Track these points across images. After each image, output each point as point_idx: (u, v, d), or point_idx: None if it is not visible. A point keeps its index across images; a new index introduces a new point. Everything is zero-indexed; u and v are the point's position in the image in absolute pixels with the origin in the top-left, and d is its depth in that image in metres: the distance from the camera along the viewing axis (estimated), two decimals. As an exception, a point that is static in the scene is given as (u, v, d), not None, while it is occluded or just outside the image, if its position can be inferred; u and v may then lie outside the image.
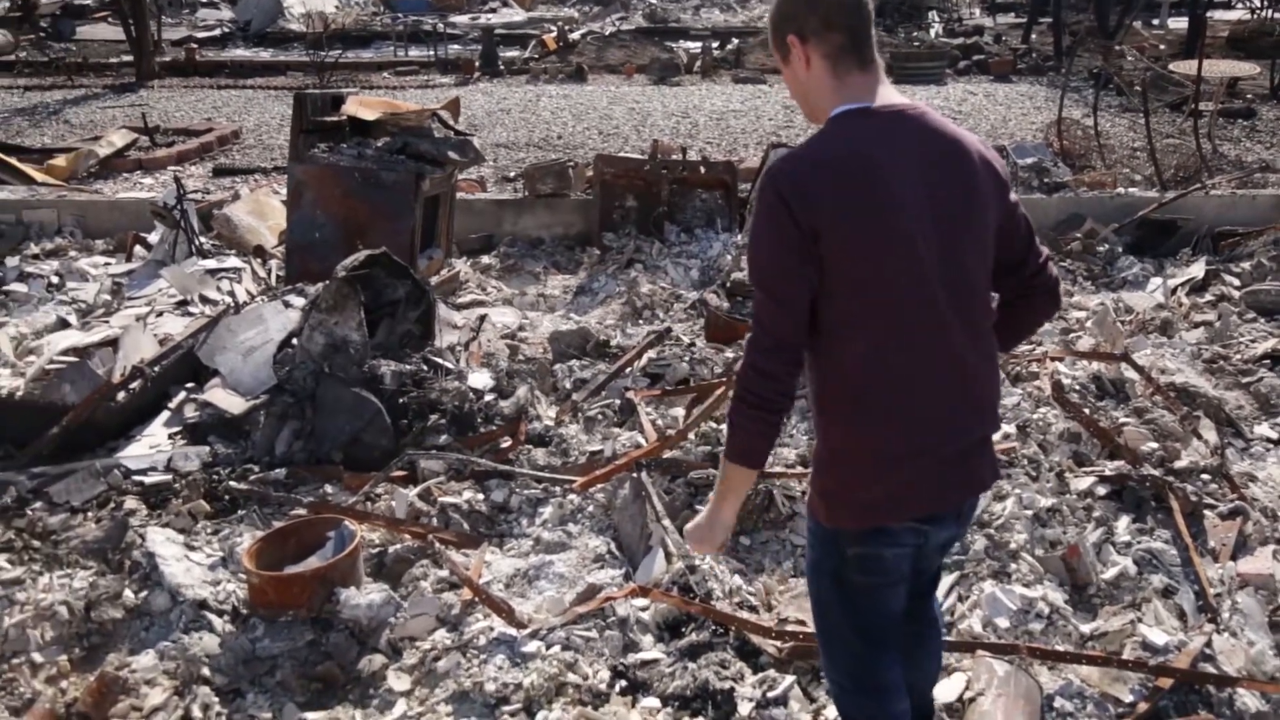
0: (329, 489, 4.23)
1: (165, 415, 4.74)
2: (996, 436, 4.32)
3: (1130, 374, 5.03)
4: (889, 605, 2.39)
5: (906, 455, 2.21)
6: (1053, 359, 5.25)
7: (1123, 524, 3.94)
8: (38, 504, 4.01)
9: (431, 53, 18.11)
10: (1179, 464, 4.24)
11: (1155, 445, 4.37)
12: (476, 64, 16.83)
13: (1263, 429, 4.83)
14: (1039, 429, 4.54)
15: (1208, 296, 6.41)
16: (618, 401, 4.94)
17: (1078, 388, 4.95)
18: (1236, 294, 6.31)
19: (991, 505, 3.96)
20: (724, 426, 4.39)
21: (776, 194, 2.07)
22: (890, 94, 2.20)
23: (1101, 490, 4.11)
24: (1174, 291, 6.52)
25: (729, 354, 5.29)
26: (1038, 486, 4.10)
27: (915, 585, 2.50)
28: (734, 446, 2.22)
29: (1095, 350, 5.40)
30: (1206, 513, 4.02)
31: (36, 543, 3.78)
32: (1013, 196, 2.30)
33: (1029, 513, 3.92)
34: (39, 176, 9.39)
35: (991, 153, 2.26)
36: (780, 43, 2.24)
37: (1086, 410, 4.62)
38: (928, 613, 2.65)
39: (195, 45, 18.55)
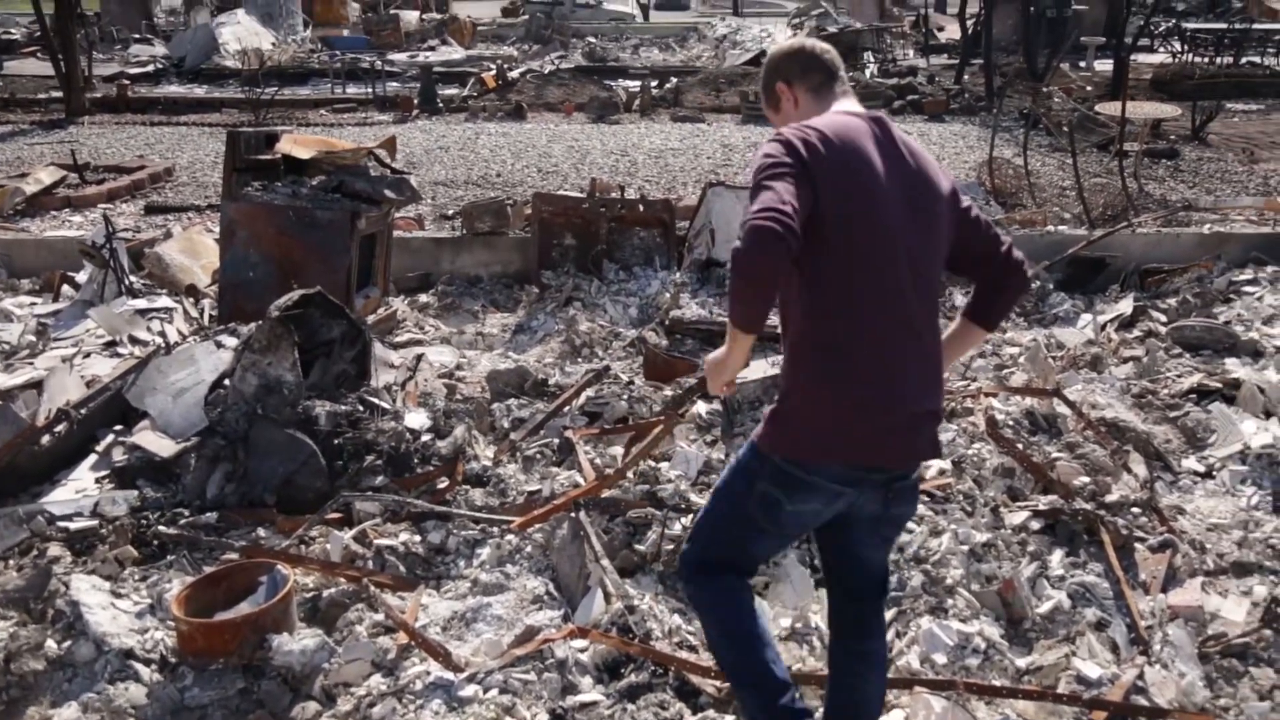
0: (262, 532, 4.15)
1: (92, 459, 4.63)
2: (932, 472, 4.43)
3: (1062, 409, 5.12)
4: (754, 550, 2.74)
5: (854, 405, 2.48)
6: (986, 394, 5.33)
7: (1056, 558, 3.99)
8: (-44, 552, 3.88)
9: (369, 90, 18.05)
10: (1110, 498, 4.31)
11: (1087, 479, 4.45)
12: (415, 101, 16.81)
13: (1190, 462, 4.93)
14: (974, 464, 4.59)
15: (1136, 332, 6.56)
16: (556, 440, 4.92)
17: (1011, 423, 5.03)
18: (1163, 330, 6.46)
19: (928, 541, 4.00)
20: (663, 464, 4.41)
21: (786, 142, 2.44)
22: (860, 107, 2.67)
23: (1035, 525, 4.17)
24: (1103, 328, 6.66)
25: (668, 392, 5.29)
26: (973, 522, 4.15)
27: (850, 578, 2.78)
28: (736, 316, 2.45)
29: (1028, 386, 5.49)
30: (1137, 546, 4.09)
31: (-46, 592, 3.65)
32: (965, 200, 2.67)
33: (965, 548, 3.95)
34: (-37, 214, 9.19)
35: (936, 162, 2.68)
36: (771, 93, 2.78)
37: (1020, 446, 4.69)
38: (869, 626, 2.81)
39: (127, 81, 18.30)
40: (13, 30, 27.12)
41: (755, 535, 2.67)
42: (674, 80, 18.95)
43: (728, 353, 2.58)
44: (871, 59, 22.00)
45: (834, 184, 2.41)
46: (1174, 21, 25.15)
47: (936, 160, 2.66)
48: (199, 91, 19.10)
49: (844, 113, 2.60)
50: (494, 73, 19.34)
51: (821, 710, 2.87)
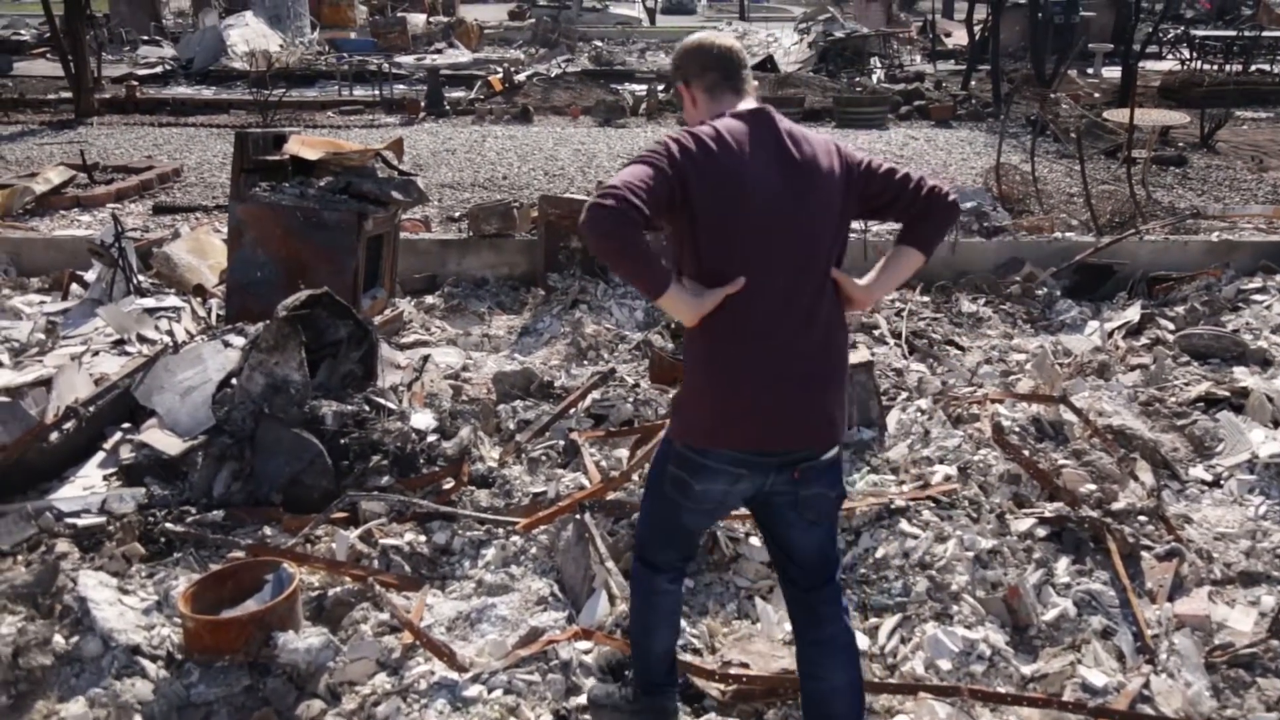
0: (268, 531, 4.15)
1: (100, 456, 4.64)
2: (938, 478, 4.43)
3: (1069, 416, 5.11)
4: (684, 520, 2.92)
5: (736, 390, 2.66)
6: (992, 401, 5.33)
7: (1062, 565, 3.99)
8: (-36, 548, 3.89)
9: (376, 92, 18.09)
10: (1117, 506, 4.30)
11: (1093, 487, 4.44)
12: (422, 104, 16.83)
13: (1197, 471, 4.93)
14: (979, 470, 4.59)
15: (1143, 340, 6.55)
16: (561, 443, 4.92)
17: (1017, 429, 5.02)
18: (1171, 337, 6.45)
19: (933, 547, 3.99)
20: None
21: (665, 142, 2.63)
22: (753, 104, 2.79)
23: (1041, 532, 4.16)
24: (1111, 335, 6.66)
25: (673, 394, 5.30)
26: (979, 528, 4.14)
27: (788, 569, 2.93)
28: (644, 285, 2.57)
29: (1034, 392, 5.48)
30: (1144, 554, 4.08)
31: (-38, 588, 3.66)
32: (861, 160, 2.79)
33: (970, 554, 3.95)
34: (-28, 212, 9.21)
35: (839, 144, 2.79)
36: (679, 90, 2.92)
37: (1026, 452, 4.69)
38: (823, 612, 2.90)
39: (136, 83, 18.35)
40: (22, 31, 27.22)
41: (679, 512, 2.89)
42: (681, 84, 18.95)
43: (673, 311, 2.70)
44: (878, 64, 22.02)
45: (705, 181, 2.58)
46: (1183, 28, 25.15)
47: (834, 146, 2.76)
48: (207, 93, 19.16)
49: (730, 114, 2.73)
50: (500, 76, 19.37)
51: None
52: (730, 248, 2.62)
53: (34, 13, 29.09)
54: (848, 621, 2.92)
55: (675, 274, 2.64)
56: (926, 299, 7.42)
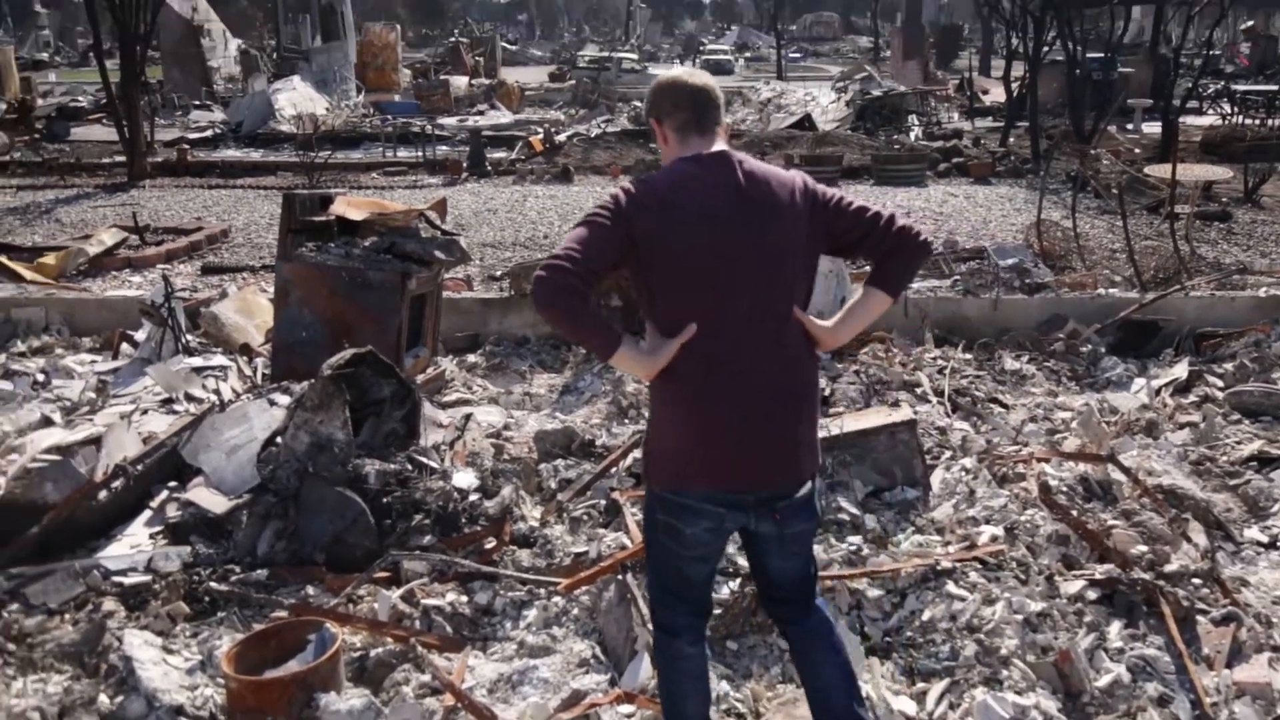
0: (311, 590, 4.16)
1: (147, 514, 4.68)
2: (984, 538, 4.36)
3: (1117, 475, 5.03)
4: (687, 571, 2.91)
5: (707, 433, 2.71)
6: (1039, 459, 5.26)
7: (1115, 629, 3.90)
8: (14, 605, 3.93)
9: (420, 153, 18.40)
10: (1169, 568, 4.21)
11: (1145, 548, 4.35)
12: (464, 165, 17.09)
13: (1253, 532, 4.82)
14: (1027, 531, 4.52)
15: (1192, 397, 6.45)
16: (603, 502, 4.91)
17: (1065, 489, 4.95)
18: (1220, 395, 6.35)
19: (981, 609, 3.93)
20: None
21: (614, 196, 2.69)
22: (718, 145, 2.79)
23: (1092, 594, 4.07)
24: (1158, 392, 6.56)
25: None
26: (1027, 590, 4.07)
27: (772, 591, 3.02)
28: (594, 349, 2.75)
29: (1081, 451, 5.41)
30: (1199, 618, 3.98)
31: (11, 645, 3.69)
32: (829, 196, 2.80)
33: (1019, 617, 3.88)
34: (28, 275, 9.42)
35: (806, 181, 2.81)
36: (651, 126, 2.91)
37: (1074, 512, 4.61)
38: (805, 619, 3.01)
39: (187, 146, 18.80)
40: (80, 98, 27.99)
41: (679, 562, 2.90)
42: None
43: (629, 369, 2.90)
44: (916, 122, 22.10)
45: (654, 230, 2.64)
46: (1223, 84, 25.07)
47: (799, 183, 2.77)
48: (255, 155, 19.57)
49: (687, 157, 2.76)
50: (541, 136, 19.64)
51: None
52: (686, 293, 2.68)
53: (91, 80, 29.95)
54: (826, 613, 3.06)
55: (650, 316, 2.75)
56: (969, 356, 7.36)
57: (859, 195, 11.19)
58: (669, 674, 3.04)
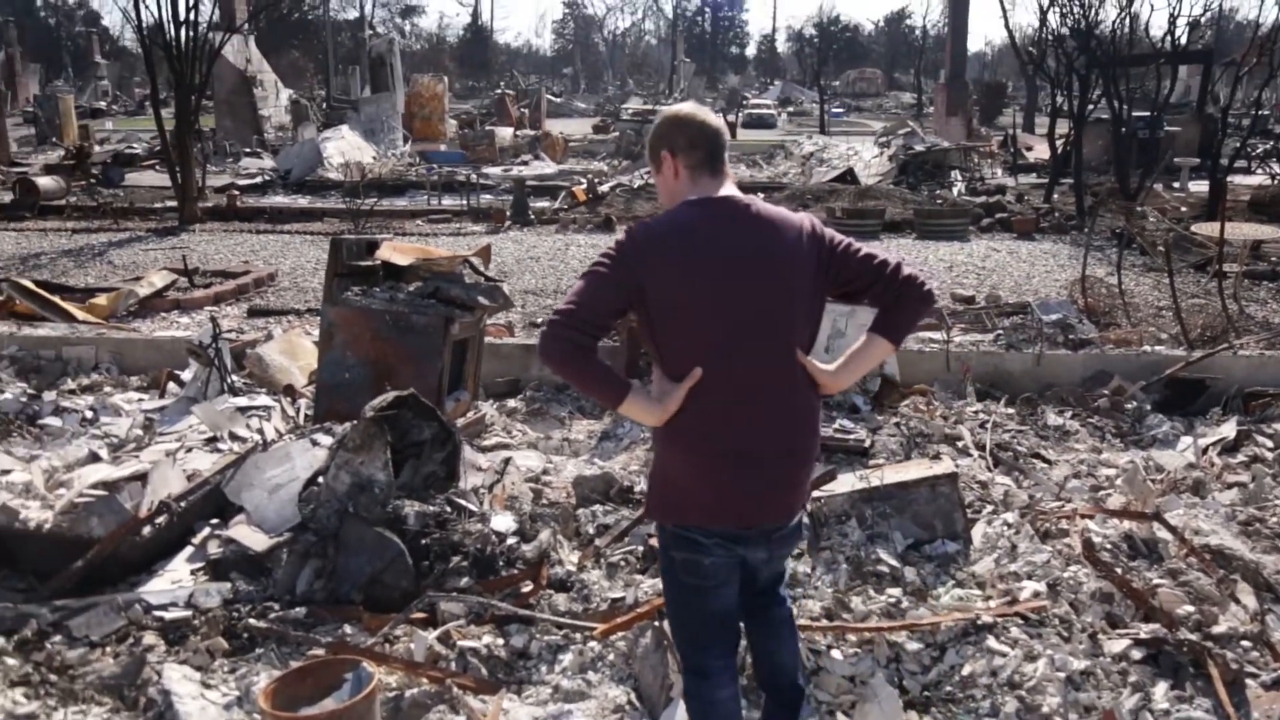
0: (348, 629, 4.17)
1: (189, 550, 4.73)
2: (1026, 594, 4.30)
3: (1163, 534, 4.95)
4: (713, 604, 2.94)
5: (711, 472, 2.77)
6: (1082, 516, 5.19)
7: (1160, 690, 3.82)
8: (57, 637, 3.98)
9: (464, 201, 18.63)
10: (1217, 629, 4.13)
11: (1192, 609, 4.27)
12: (507, 213, 17.27)
13: (1302, 594, 4.71)
14: (1070, 588, 4.45)
15: (1240, 457, 6.35)
16: (640, 548, 4.89)
17: (1109, 547, 4.87)
18: (1270, 455, 6.25)
19: (1023, 666, 3.87)
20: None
21: (619, 243, 2.74)
22: (729, 189, 2.84)
23: (1137, 654, 3.99)
24: (1205, 451, 6.47)
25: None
26: (1070, 648, 4.00)
27: (754, 593, 3.10)
28: (602, 399, 2.78)
29: (1126, 509, 5.33)
30: (1249, 681, 3.89)
31: (54, 677, 3.73)
32: (837, 242, 2.85)
33: (1061, 675, 3.81)
34: (80, 314, 9.61)
35: (815, 224, 2.85)
36: (655, 157, 2.90)
37: (1119, 570, 4.54)
38: (773, 607, 3.19)
39: (237, 192, 19.17)
40: (135, 145, 28.68)
41: (704, 596, 2.93)
42: (760, 196, 19.17)
43: (637, 417, 2.84)
44: (959, 177, 22.10)
45: (659, 276, 2.68)
46: (1272, 143, 24.89)
47: (808, 226, 2.82)
48: (302, 201, 19.91)
49: (695, 201, 2.79)
50: (584, 186, 19.84)
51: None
52: (693, 337, 2.72)
53: (147, 128, 30.70)
54: (788, 603, 3.28)
55: (657, 360, 2.81)
56: (1011, 411, 7.30)
57: (901, 249, 11.17)
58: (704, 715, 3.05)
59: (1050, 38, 19.94)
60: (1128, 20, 18.25)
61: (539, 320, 9.77)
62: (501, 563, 4.59)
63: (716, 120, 2.92)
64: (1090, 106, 18.34)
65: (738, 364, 2.72)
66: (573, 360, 2.64)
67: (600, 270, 2.70)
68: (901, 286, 2.84)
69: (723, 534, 2.83)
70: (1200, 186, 18.88)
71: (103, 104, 51.51)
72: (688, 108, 2.94)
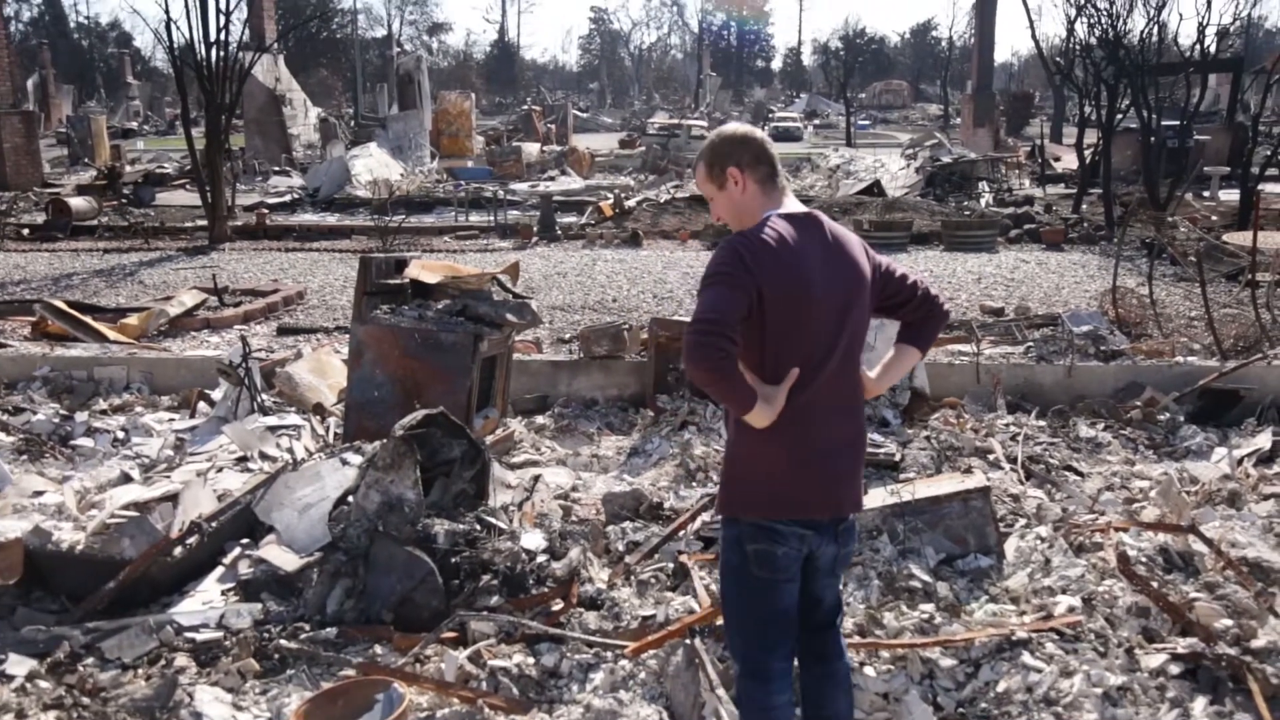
0: (379, 649, 4.18)
1: (220, 571, 4.76)
2: (1061, 608, 4.26)
3: (1199, 547, 4.88)
4: (783, 599, 3.05)
5: (801, 465, 2.95)
6: (1116, 529, 5.13)
7: (1199, 706, 3.76)
8: (89, 659, 4.00)
9: (491, 218, 18.72)
10: (1257, 643, 4.06)
11: (1230, 622, 4.20)
12: (535, 229, 17.33)
13: (1342, 607, 4.63)
14: (1105, 602, 4.39)
15: (1276, 468, 6.26)
16: (671, 565, 4.88)
17: (1144, 560, 4.81)
18: (1306, 466, 6.16)
19: (1059, 682, 3.82)
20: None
21: (736, 252, 2.85)
22: (798, 204, 3.05)
23: (1175, 669, 3.93)
24: (1240, 462, 6.38)
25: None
26: (1106, 663, 3.95)
27: (813, 614, 3.19)
28: (734, 409, 2.88)
29: (1161, 521, 5.26)
30: (1289, 696, 3.83)
31: (86, 700, 3.75)
32: (881, 261, 3.16)
33: (1098, 690, 3.76)
34: (111, 334, 9.71)
35: (865, 245, 3.14)
36: (718, 174, 3.06)
37: (1154, 584, 4.48)
38: (831, 649, 3.26)
39: (266, 210, 19.35)
40: (165, 165, 29.00)
41: (775, 590, 3.04)
42: (788, 209, 19.16)
43: (755, 421, 2.89)
44: (986, 188, 22.00)
45: (775, 286, 2.83)
46: (1303, 150, 24.60)
47: (864, 246, 3.11)
48: (331, 219, 20.06)
49: (784, 215, 2.97)
50: (611, 201, 19.88)
51: None
52: (795, 344, 2.90)
53: (177, 147, 31.03)
54: (847, 657, 3.35)
55: (756, 363, 2.92)
56: (1042, 423, 7.24)
57: (928, 261, 11.16)
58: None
59: (1078, 47, 19.85)
60: (1156, 29, 18.14)
61: (567, 336, 9.79)
62: (531, 581, 4.59)
63: (767, 138, 3.14)
64: (1119, 116, 18.22)
65: (827, 367, 2.94)
66: (721, 367, 2.74)
67: (727, 278, 2.81)
68: (930, 304, 3.21)
69: (801, 523, 2.99)
70: (1231, 195, 18.70)
71: (134, 124, 52.14)
72: (741, 127, 3.15)
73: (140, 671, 3.99)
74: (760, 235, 2.89)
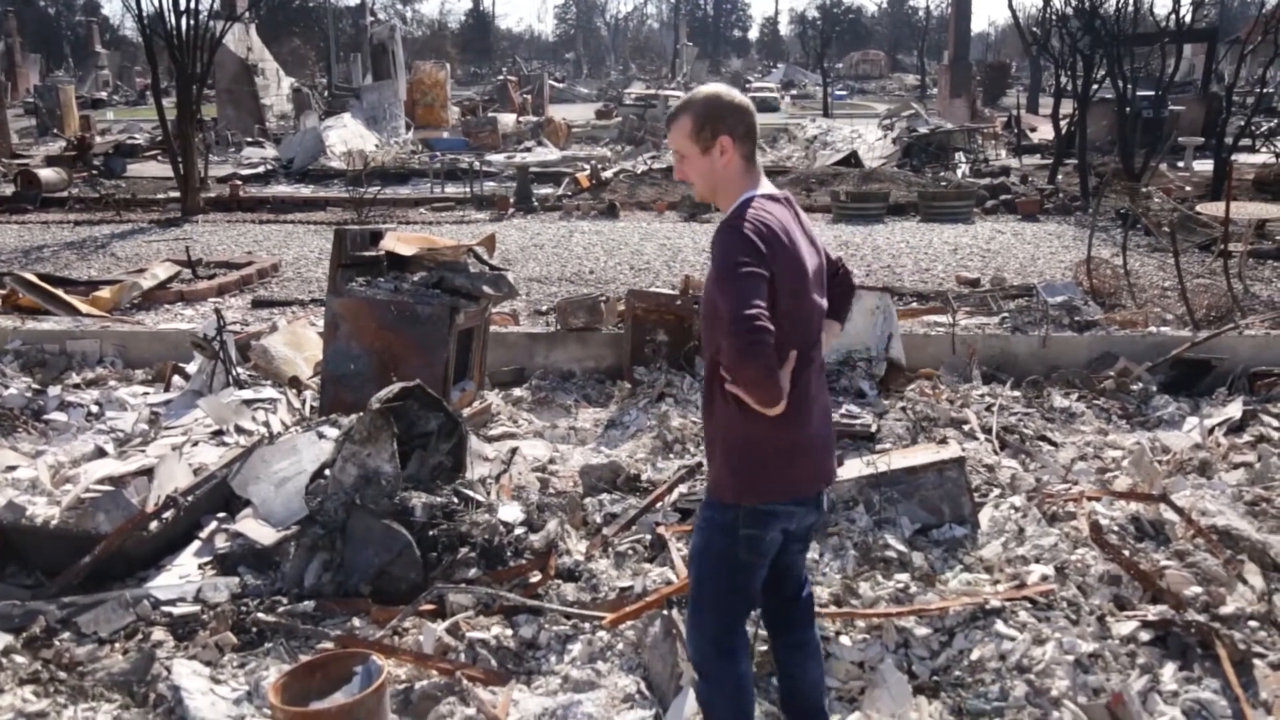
0: (357, 622, 4.18)
1: (196, 545, 4.75)
2: (1034, 577, 4.31)
3: (1170, 515, 4.95)
4: (757, 580, 3.08)
5: (800, 446, 2.97)
6: (1089, 498, 5.18)
7: (1169, 672, 3.82)
8: (66, 634, 3.99)
9: (468, 189, 18.60)
10: (1225, 610, 4.12)
11: (1199, 590, 4.27)
12: (511, 200, 17.24)
13: (1310, 574, 4.70)
14: (1077, 571, 4.45)
15: (1246, 437, 6.34)
16: (648, 537, 4.90)
17: (1116, 529, 4.87)
18: (1276, 435, 6.23)
19: (1031, 649, 3.87)
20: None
21: (748, 239, 2.76)
22: (770, 185, 3.01)
23: (1145, 636, 4.00)
24: (1211, 432, 6.45)
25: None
26: (1078, 630, 4.00)
27: (783, 583, 3.25)
28: (764, 405, 2.76)
29: (1133, 490, 5.32)
30: (1256, 661, 3.89)
31: (63, 674, 3.74)
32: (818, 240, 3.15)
33: (1070, 658, 3.81)
34: (84, 308, 9.61)
35: None
36: (707, 136, 2.91)
37: (1126, 552, 4.54)
38: (802, 617, 3.33)
39: (239, 182, 19.14)
40: (137, 135, 28.64)
41: (754, 573, 3.06)
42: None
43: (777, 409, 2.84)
44: (963, 159, 22.01)
45: (783, 269, 2.80)
46: (1276, 121, 24.76)
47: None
48: (305, 191, 19.86)
49: (770, 197, 2.93)
50: (588, 173, 19.78)
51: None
52: (796, 327, 2.89)
53: (148, 118, 30.66)
54: (815, 627, 3.40)
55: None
56: (1017, 394, 7.29)
57: (905, 232, 11.17)
58: (738, 697, 3.12)
59: (1054, 17, 19.83)
60: (1131, -1, 18.12)
61: (544, 308, 9.76)
62: (509, 553, 4.60)
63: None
64: (1094, 86, 18.24)
65: (813, 344, 3.00)
66: (772, 365, 2.69)
67: (750, 269, 2.71)
68: (848, 279, 3.35)
69: (796, 501, 3.02)
70: (1205, 166, 18.79)
71: (103, 94, 51.44)
72: (735, 92, 3.01)
73: (117, 645, 3.98)
74: (763, 220, 2.82)
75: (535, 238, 14.34)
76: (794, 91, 59.16)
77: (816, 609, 4.09)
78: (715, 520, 3.04)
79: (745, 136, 2.94)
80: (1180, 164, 20.49)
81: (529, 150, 25.67)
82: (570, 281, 11.38)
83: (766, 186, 2.98)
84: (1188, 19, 20.11)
